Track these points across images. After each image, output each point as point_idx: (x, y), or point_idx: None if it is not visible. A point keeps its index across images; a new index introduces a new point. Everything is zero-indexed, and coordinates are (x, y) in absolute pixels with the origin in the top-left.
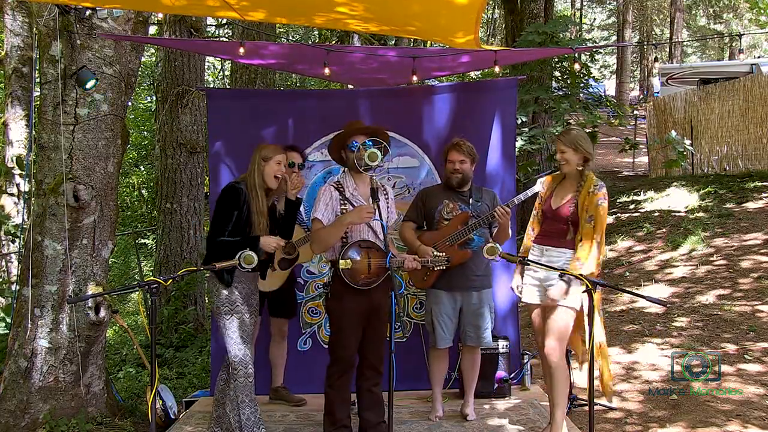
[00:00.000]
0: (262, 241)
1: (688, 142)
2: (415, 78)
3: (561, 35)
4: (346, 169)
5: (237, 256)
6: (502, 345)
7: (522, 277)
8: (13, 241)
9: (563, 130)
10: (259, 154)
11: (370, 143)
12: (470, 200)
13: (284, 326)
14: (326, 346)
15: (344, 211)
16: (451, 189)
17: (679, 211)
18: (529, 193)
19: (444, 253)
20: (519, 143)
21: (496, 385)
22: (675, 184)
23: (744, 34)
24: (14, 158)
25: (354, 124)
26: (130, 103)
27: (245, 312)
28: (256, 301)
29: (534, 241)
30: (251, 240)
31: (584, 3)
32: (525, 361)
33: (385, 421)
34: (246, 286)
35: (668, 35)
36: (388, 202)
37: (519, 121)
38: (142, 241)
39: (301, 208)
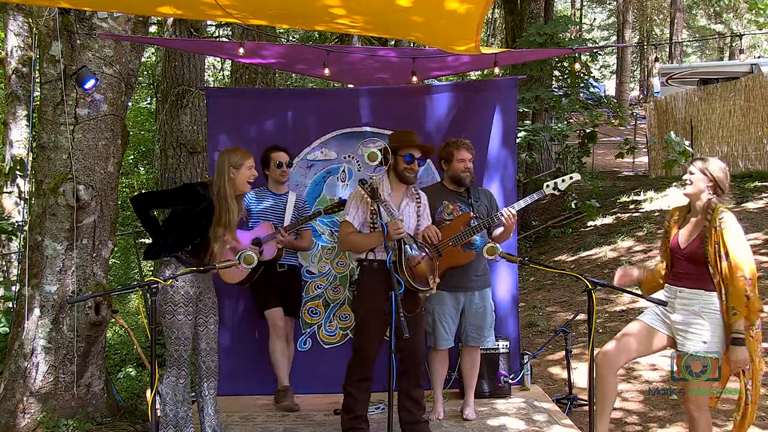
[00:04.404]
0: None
1: (687, 143)
2: (414, 78)
3: (561, 35)
4: (385, 172)
5: (237, 256)
6: (502, 345)
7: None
8: (10, 240)
9: (700, 157)
10: (227, 161)
11: (409, 158)
12: (471, 200)
13: (288, 325)
14: (326, 347)
15: (373, 218)
16: (449, 189)
17: None
18: (535, 196)
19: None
20: (521, 134)
21: (497, 385)
22: (675, 184)
23: (744, 34)
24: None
25: (410, 135)
26: (129, 103)
27: (180, 313)
28: (205, 302)
29: (667, 282)
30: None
31: (584, 3)
32: (525, 361)
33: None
34: (192, 286)
35: (668, 35)
36: (419, 209)
37: (520, 110)
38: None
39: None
